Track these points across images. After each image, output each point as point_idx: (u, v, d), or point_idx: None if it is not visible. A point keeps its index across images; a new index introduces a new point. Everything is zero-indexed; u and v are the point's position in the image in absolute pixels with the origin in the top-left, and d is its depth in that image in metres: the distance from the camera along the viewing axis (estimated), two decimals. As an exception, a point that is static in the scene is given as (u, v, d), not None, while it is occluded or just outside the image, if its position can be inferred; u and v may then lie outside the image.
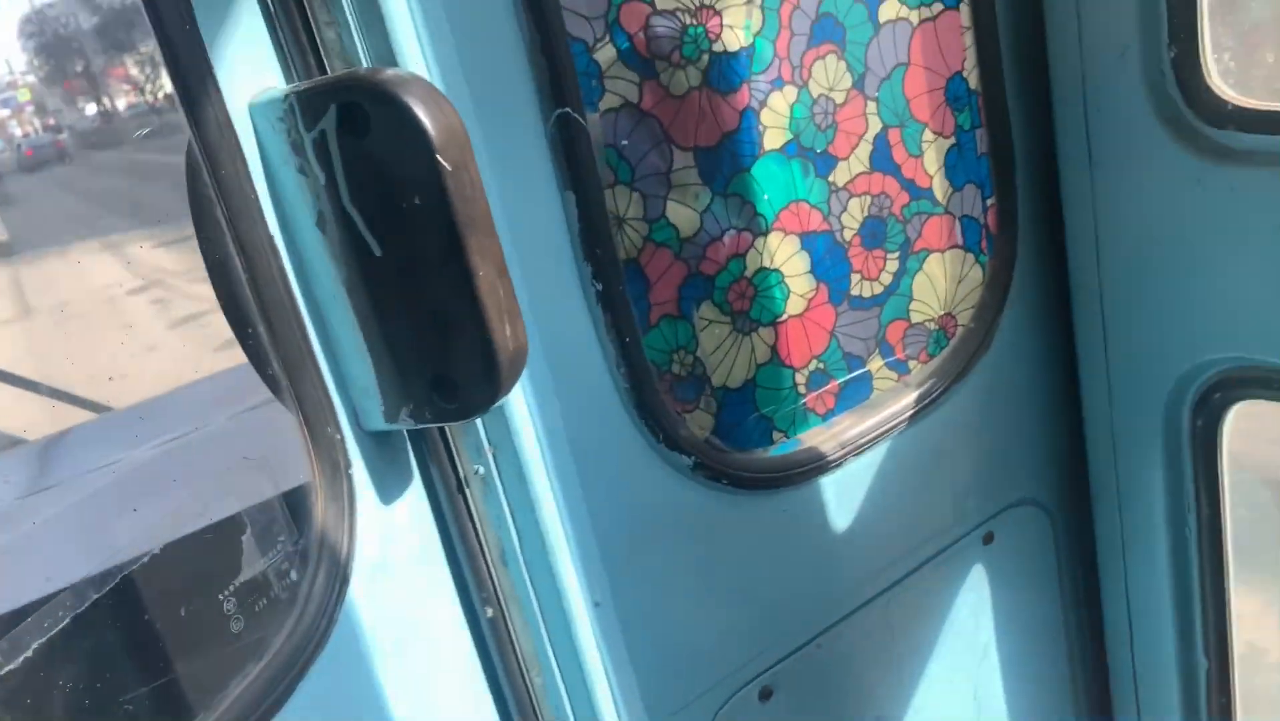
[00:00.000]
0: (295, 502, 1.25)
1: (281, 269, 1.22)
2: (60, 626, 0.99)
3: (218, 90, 1.15)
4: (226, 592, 1.13)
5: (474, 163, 1.17)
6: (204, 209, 1.34)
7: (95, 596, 1.03)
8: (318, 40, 1.25)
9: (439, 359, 1.26)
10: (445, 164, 1.13)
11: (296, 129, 1.19)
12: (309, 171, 1.21)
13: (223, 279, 1.36)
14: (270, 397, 1.59)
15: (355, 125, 1.16)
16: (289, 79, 1.25)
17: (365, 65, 1.24)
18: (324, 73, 1.25)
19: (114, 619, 1.10)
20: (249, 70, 1.21)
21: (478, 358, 1.22)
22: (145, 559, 1.09)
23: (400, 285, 1.23)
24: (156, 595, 1.13)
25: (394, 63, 1.24)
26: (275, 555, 1.18)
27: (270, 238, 1.21)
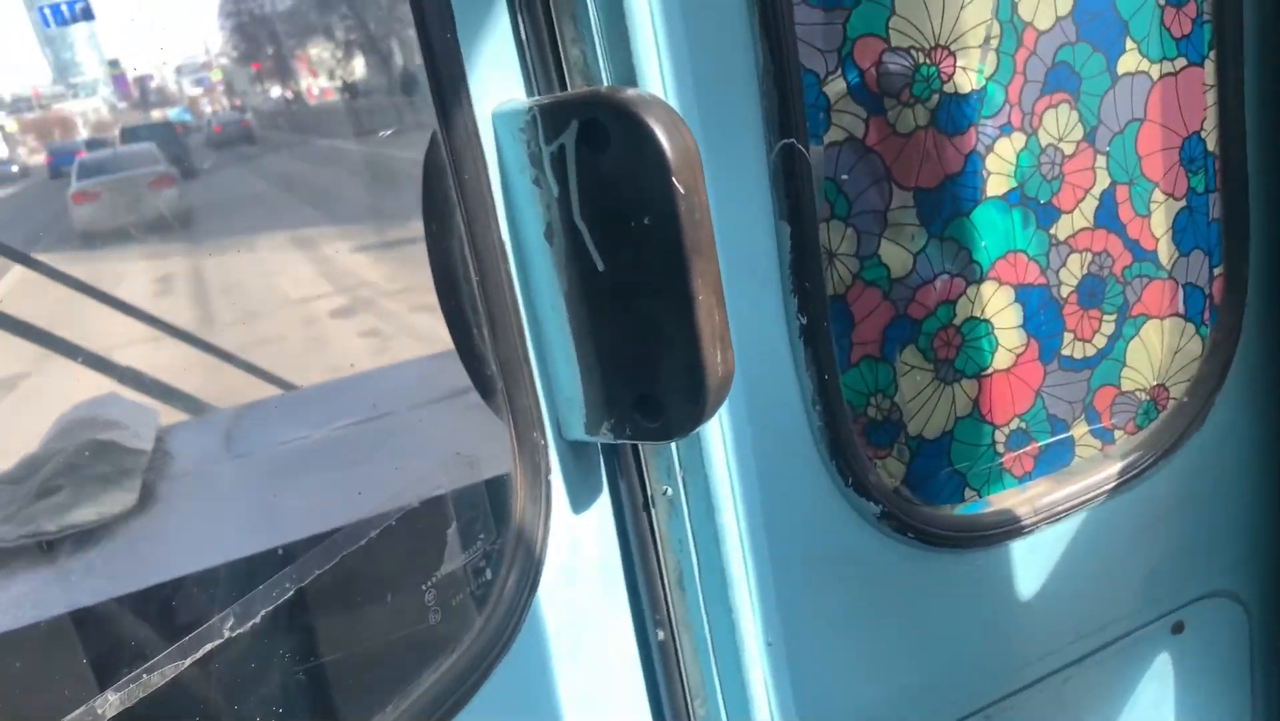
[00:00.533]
0: (495, 502, 1.27)
1: (509, 274, 1.25)
2: (285, 597, 1.04)
3: (469, 97, 1.19)
4: (429, 584, 1.15)
5: (704, 188, 1.18)
6: (436, 211, 1.39)
7: (318, 571, 1.08)
8: (562, 57, 1.29)
9: (647, 378, 1.26)
10: (679, 186, 1.14)
11: (536, 140, 1.22)
12: (543, 183, 1.23)
13: (446, 280, 1.41)
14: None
15: (594, 141, 1.18)
16: (529, 92, 1.29)
17: (606, 84, 1.27)
18: (565, 89, 1.28)
19: (330, 597, 1.15)
20: (495, 80, 1.25)
21: (686, 380, 1.22)
22: (364, 541, 1.13)
23: (617, 302, 1.24)
24: (370, 578, 1.17)
25: (634, 83, 1.26)
26: (474, 552, 1.21)
27: (502, 243, 1.24)
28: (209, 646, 0.96)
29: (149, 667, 0.95)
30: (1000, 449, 1.72)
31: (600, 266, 1.24)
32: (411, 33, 1.21)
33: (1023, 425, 1.72)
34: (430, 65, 1.15)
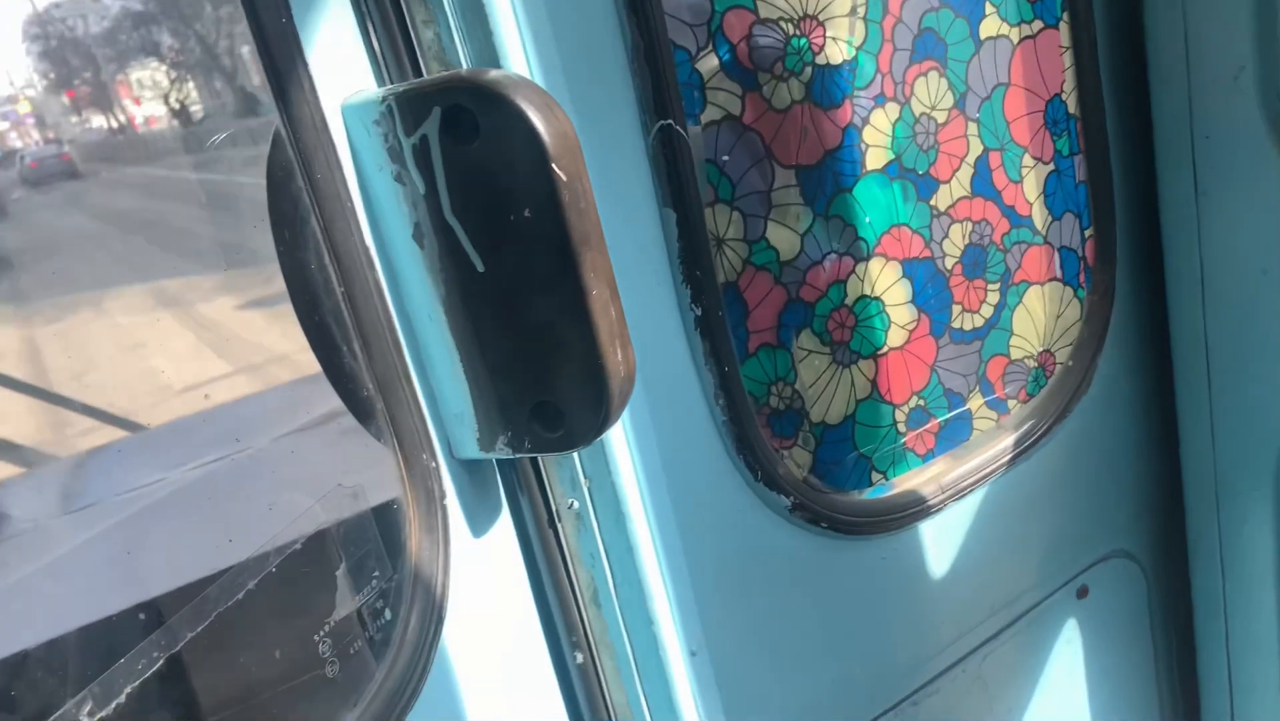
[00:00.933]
0: (386, 534, 1.15)
1: (377, 283, 1.14)
2: (154, 668, 0.89)
3: (313, 88, 1.07)
4: (321, 633, 1.02)
5: (586, 174, 1.09)
6: (285, 217, 1.26)
7: (190, 635, 0.93)
8: (414, 40, 1.18)
9: (542, 384, 1.16)
10: (560, 174, 1.05)
11: (395, 133, 1.11)
12: (406, 180, 1.12)
13: (304, 294, 1.28)
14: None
15: (460, 130, 1.08)
16: (380, 81, 1.18)
17: (466, 67, 1.17)
18: (419, 75, 1.18)
19: (208, 660, 1.00)
20: (341, 71, 1.13)
21: (586, 383, 1.13)
22: (241, 592, 0.99)
23: (503, 304, 1.14)
24: (253, 633, 1.03)
25: (496, 65, 1.16)
26: (369, 592, 1.08)
27: (367, 248, 1.12)
28: (62, 737, 0.81)
29: None
30: (902, 428, 1.68)
31: (480, 267, 1.13)
32: (247, 46, 1.09)
33: (921, 402, 1.69)
34: (266, 56, 1.03)
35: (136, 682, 0.87)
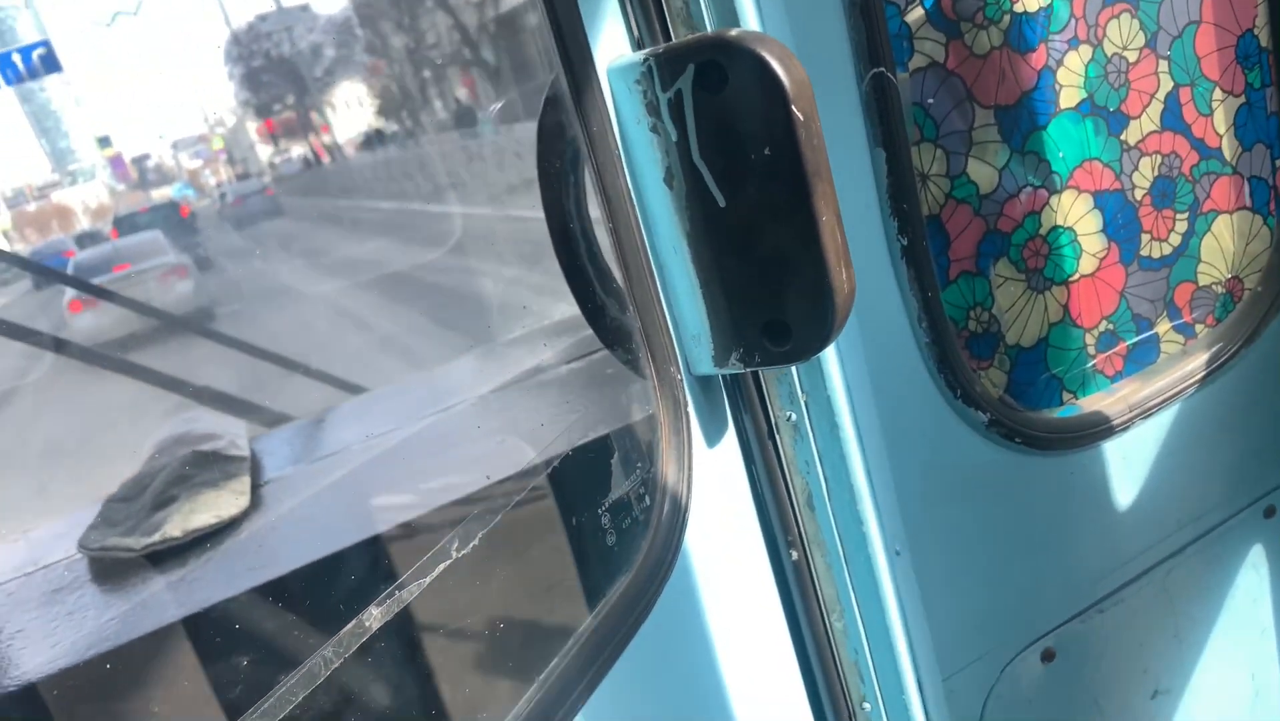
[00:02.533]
0: (642, 436, 1.35)
1: (637, 221, 1.32)
2: (495, 522, 1.11)
3: (591, 56, 1.26)
4: (603, 508, 1.23)
5: (817, 115, 1.25)
6: (551, 174, 1.47)
7: (517, 499, 1.15)
8: (665, 7, 1.35)
9: (773, 304, 1.33)
10: (799, 114, 1.21)
11: (653, 90, 1.29)
12: (660, 130, 1.30)
13: (564, 239, 1.48)
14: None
15: (709, 83, 1.25)
16: (633, 46, 1.36)
17: (709, 29, 1.33)
18: (668, 39, 1.35)
19: (525, 523, 1.22)
20: (605, 38, 1.32)
21: (814, 301, 1.29)
22: (549, 469, 1.21)
23: (740, 235, 1.31)
24: (558, 504, 1.25)
25: (735, 25, 1.33)
26: (635, 480, 1.28)
27: (629, 190, 1.31)
28: (442, 566, 1.04)
29: (399, 585, 1.02)
30: (1091, 351, 1.78)
31: (721, 203, 1.31)
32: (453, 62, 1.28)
33: (1110, 326, 1.79)
34: (555, 28, 1.22)
35: (486, 529, 1.10)
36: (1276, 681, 2.20)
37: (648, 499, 1.30)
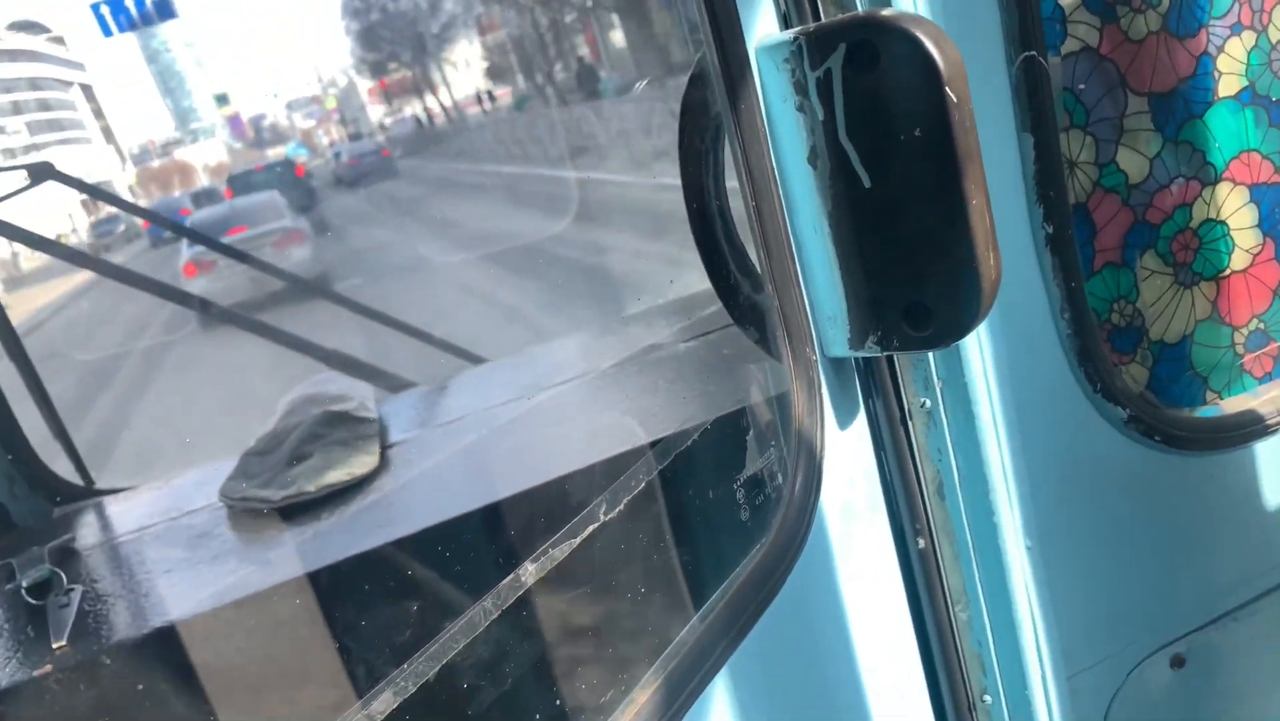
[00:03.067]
0: (777, 414, 1.36)
1: (779, 200, 1.33)
2: (639, 488, 1.14)
3: (742, 34, 1.27)
4: (738, 483, 1.25)
5: (969, 97, 1.23)
6: (692, 152, 1.48)
7: (660, 468, 1.18)
8: (815, -12, 1.35)
9: (915, 287, 1.33)
10: (953, 96, 1.20)
11: (801, 69, 1.29)
12: (807, 109, 1.31)
13: (701, 217, 1.50)
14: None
15: (860, 63, 1.25)
16: (781, 25, 1.36)
17: (860, 10, 1.33)
18: (817, 18, 1.35)
19: (665, 493, 1.26)
20: (754, 15, 1.32)
21: (960, 284, 1.28)
22: (691, 440, 1.23)
23: (884, 216, 1.31)
24: (697, 476, 1.28)
25: (888, 4, 1.32)
26: (768, 457, 1.30)
27: (772, 169, 1.32)
28: (591, 528, 1.08)
29: (553, 544, 1.06)
30: (1240, 350, 1.72)
31: (866, 184, 1.30)
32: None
33: (1261, 325, 1.72)
34: (706, 5, 1.24)
35: (631, 496, 1.13)
36: None
37: (780, 476, 1.31)
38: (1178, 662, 1.78)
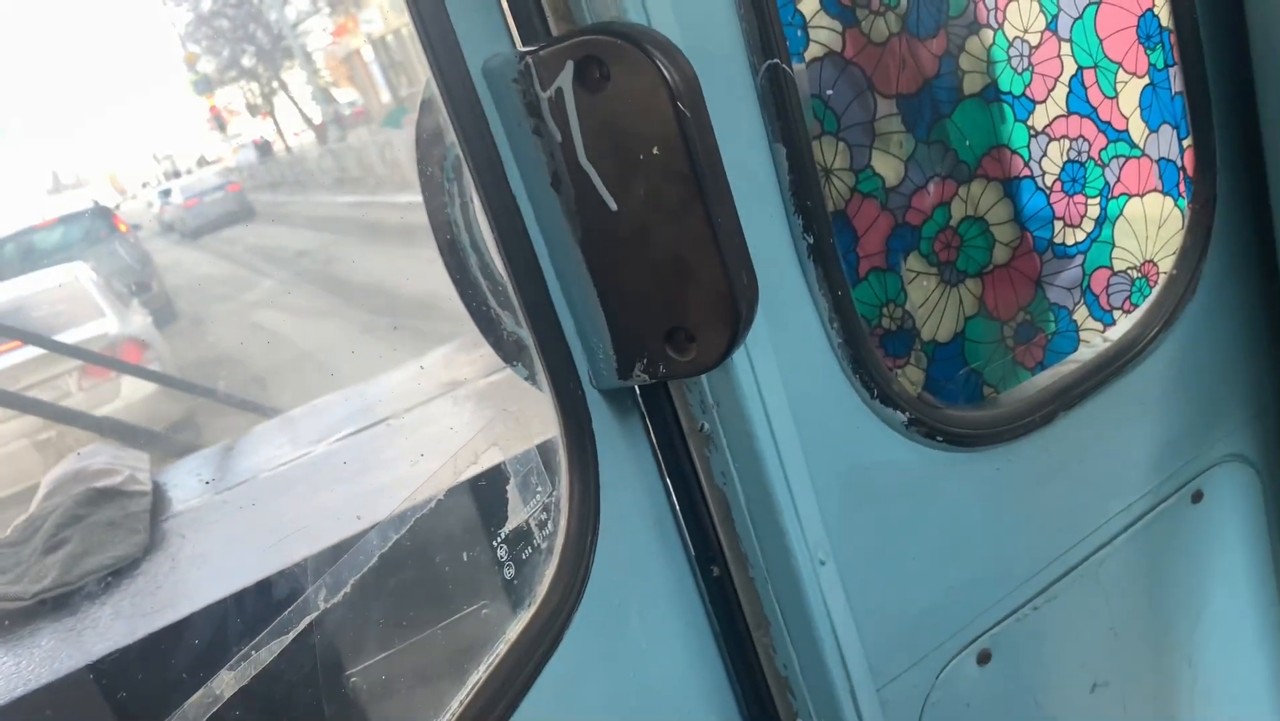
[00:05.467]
0: (543, 456, 1.27)
1: (525, 230, 1.25)
2: (370, 564, 1.02)
3: (461, 55, 1.18)
4: (499, 540, 1.15)
5: (706, 112, 1.18)
6: (433, 182, 1.38)
7: (396, 537, 1.06)
8: (542, 3, 1.28)
9: (674, 311, 1.27)
10: (685, 111, 1.14)
11: (532, 89, 1.21)
12: (544, 132, 1.23)
13: (452, 249, 1.40)
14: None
15: (591, 81, 1.18)
16: (510, 43, 1.28)
17: (590, 23, 1.26)
18: (549, 34, 1.28)
19: (409, 563, 1.14)
20: (479, 35, 1.24)
21: (716, 305, 1.23)
22: (433, 503, 1.12)
23: (635, 240, 1.24)
24: (445, 538, 1.16)
25: (616, 18, 1.26)
26: (535, 505, 1.20)
27: (514, 198, 1.23)
28: (309, 619, 0.95)
29: (256, 645, 0.93)
30: (1010, 343, 1.74)
31: (613, 206, 1.23)
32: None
33: (1028, 317, 1.75)
34: (420, 23, 1.14)
35: (359, 574, 1.01)
36: (1213, 665, 2.19)
37: (550, 525, 1.22)
38: (984, 659, 1.79)
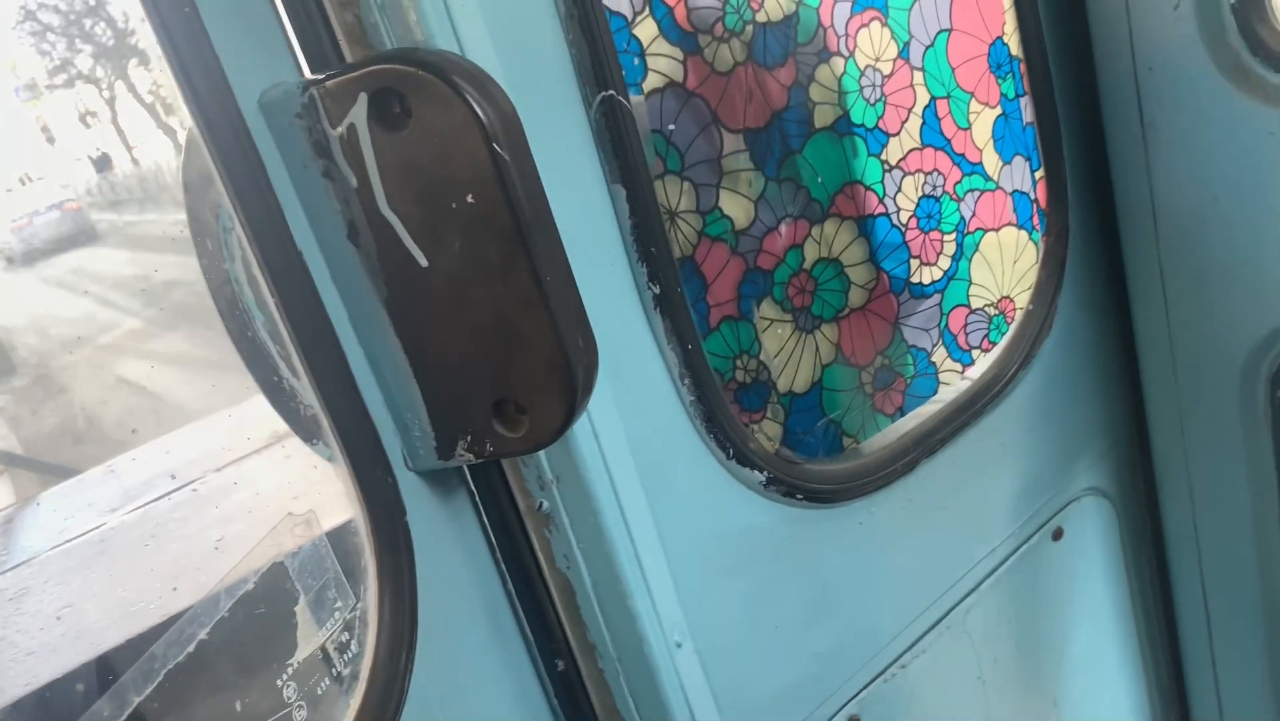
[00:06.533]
0: (343, 559, 1.07)
1: (314, 290, 1.05)
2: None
3: (228, 86, 0.98)
4: (285, 677, 0.94)
5: (530, 153, 1.02)
6: (205, 231, 1.17)
7: (137, 699, 0.84)
8: (332, 25, 1.09)
9: (500, 381, 1.09)
10: (503, 153, 0.97)
11: (319, 126, 1.02)
12: (336, 175, 1.04)
13: (233, 310, 1.19)
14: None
15: (390, 117, 1.00)
16: (298, 72, 1.08)
17: (389, 48, 1.08)
18: (342, 61, 1.09)
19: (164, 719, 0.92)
20: (255, 63, 1.04)
21: (549, 373, 1.06)
22: (191, 645, 0.91)
23: (451, 300, 1.06)
24: (210, 688, 0.95)
25: (422, 45, 1.08)
26: (334, 625, 1.01)
27: (299, 253, 1.03)
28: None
29: None
30: (869, 389, 1.64)
31: (423, 262, 1.05)
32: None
33: (886, 361, 1.65)
34: (172, 50, 0.94)
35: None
36: (1076, 702, 2.14)
37: (355, 645, 1.03)
38: (853, 725, 1.67)
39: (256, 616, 0.96)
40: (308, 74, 1.08)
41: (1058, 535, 2.01)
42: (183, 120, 1.11)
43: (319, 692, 0.96)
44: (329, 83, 1.00)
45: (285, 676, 0.94)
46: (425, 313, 1.08)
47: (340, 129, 1.01)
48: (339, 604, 1.02)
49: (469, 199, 0.99)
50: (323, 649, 0.98)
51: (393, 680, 1.03)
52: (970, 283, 1.75)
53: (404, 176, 1.01)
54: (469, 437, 1.14)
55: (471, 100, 0.96)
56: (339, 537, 1.07)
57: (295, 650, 0.97)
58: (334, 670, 0.98)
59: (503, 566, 1.29)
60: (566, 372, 1.05)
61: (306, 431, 1.20)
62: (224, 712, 0.93)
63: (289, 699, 0.93)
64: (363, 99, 0.99)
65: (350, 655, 0.99)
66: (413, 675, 1.06)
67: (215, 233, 1.14)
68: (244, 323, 1.18)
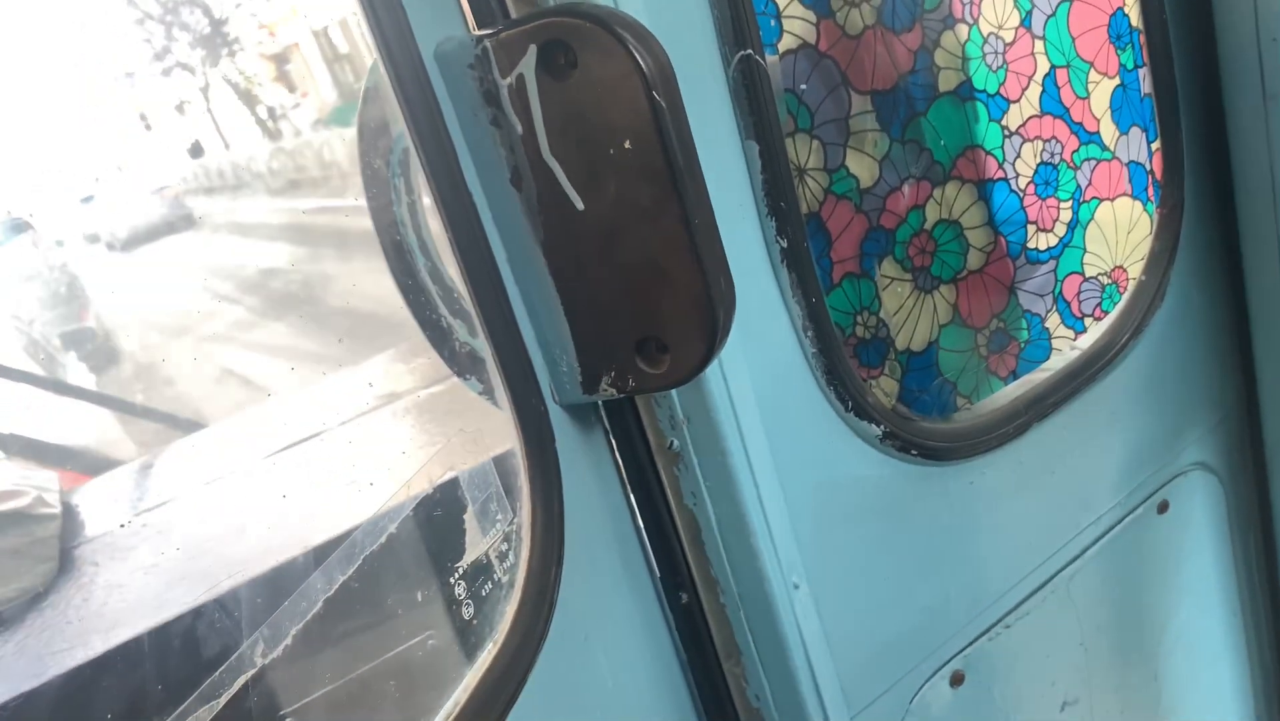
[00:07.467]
0: (503, 478, 1.16)
1: (483, 232, 1.13)
2: (314, 611, 0.90)
3: (413, 38, 1.06)
4: (456, 576, 1.03)
5: (682, 102, 1.08)
6: (377, 178, 1.26)
7: (342, 579, 0.94)
8: (500, -17, 1.17)
9: (646, 320, 1.16)
10: (661, 101, 1.04)
11: (490, 76, 1.10)
12: (503, 122, 1.12)
13: (398, 251, 1.28)
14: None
15: (556, 67, 1.07)
16: (466, 26, 1.17)
17: (554, 3, 1.16)
18: (507, 16, 1.17)
19: (361, 601, 1.01)
20: (431, 18, 1.12)
21: (692, 313, 1.13)
22: (383, 537, 1.00)
23: (604, 242, 1.14)
24: (395, 577, 1.04)
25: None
26: (495, 535, 1.09)
27: (470, 196, 1.12)
28: (245, 677, 0.83)
29: (182, 713, 0.80)
30: (984, 352, 1.68)
31: (580, 206, 1.13)
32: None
33: (1001, 324, 1.68)
34: (367, 4, 1.02)
35: (300, 624, 0.89)
36: (1179, 676, 2.15)
37: (512, 555, 1.11)
38: (957, 680, 1.71)
39: (435, 519, 1.05)
40: (474, 28, 1.16)
41: (1163, 508, 2.02)
42: (357, 73, 1.20)
43: (483, 594, 1.04)
44: (502, 35, 1.08)
45: (456, 575, 1.03)
46: (578, 254, 1.16)
47: (510, 79, 1.09)
48: (499, 516, 1.10)
49: (626, 145, 1.07)
50: (486, 555, 1.07)
51: (544, 590, 1.11)
52: (1085, 250, 1.77)
53: (566, 124, 1.09)
54: (613, 373, 1.21)
55: (634, 50, 1.03)
56: (500, 460, 1.15)
57: (464, 553, 1.05)
58: (494, 575, 1.07)
59: (633, 500, 1.37)
60: (709, 312, 1.12)
61: (460, 366, 1.29)
62: (409, 599, 1.02)
63: (459, 596, 1.02)
64: (532, 50, 1.07)
65: (509, 564, 1.08)
66: (560, 586, 1.14)
67: (385, 178, 1.23)
68: (408, 265, 1.27)
